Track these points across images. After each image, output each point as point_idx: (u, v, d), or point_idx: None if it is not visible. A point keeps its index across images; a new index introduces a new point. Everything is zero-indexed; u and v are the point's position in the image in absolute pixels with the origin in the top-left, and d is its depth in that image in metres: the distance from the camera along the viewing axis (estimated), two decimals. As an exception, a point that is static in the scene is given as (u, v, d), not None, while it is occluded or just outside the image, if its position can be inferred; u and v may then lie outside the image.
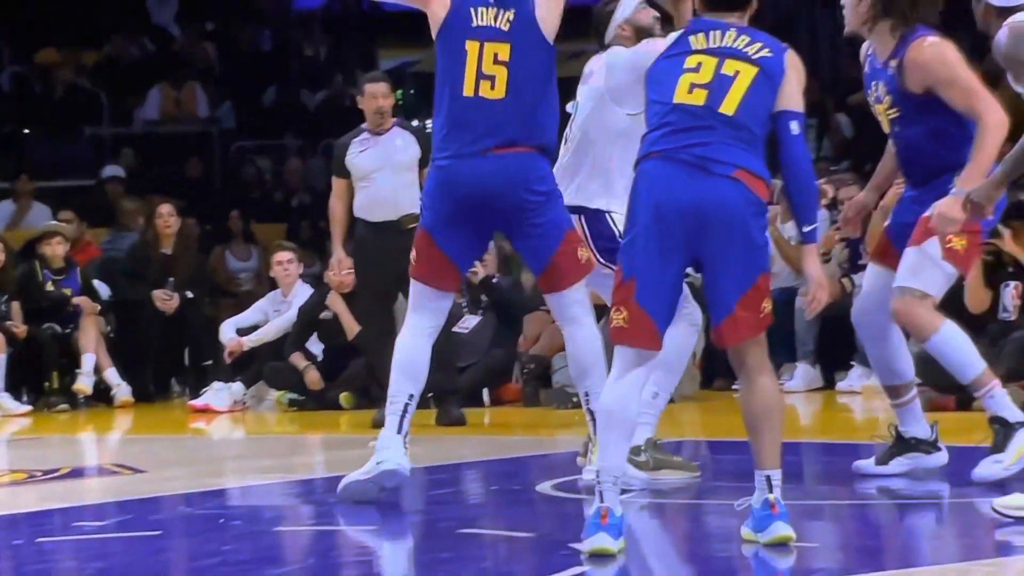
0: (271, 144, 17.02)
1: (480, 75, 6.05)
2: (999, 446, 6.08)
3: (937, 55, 6.06)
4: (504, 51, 6.06)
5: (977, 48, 13.36)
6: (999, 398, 6.10)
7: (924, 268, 6.08)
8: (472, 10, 6.10)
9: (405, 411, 6.16)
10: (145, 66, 17.32)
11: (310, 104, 17.63)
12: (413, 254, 6.21)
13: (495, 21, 6.09)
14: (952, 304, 9.56)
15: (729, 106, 5.09)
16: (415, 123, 12.57)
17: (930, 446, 6.35)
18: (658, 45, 6.15)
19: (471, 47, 6.07)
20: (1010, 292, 9.31)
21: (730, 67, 5.12)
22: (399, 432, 6.14)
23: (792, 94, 5.14)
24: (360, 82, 9.90)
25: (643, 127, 5.24)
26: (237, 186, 16.49)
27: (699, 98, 5.10)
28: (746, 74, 5.11)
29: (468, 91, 6.05)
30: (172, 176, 15.85)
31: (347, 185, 9.48)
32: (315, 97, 17.62)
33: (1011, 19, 5.68)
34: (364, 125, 9.53)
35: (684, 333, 6.32)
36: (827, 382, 11.05)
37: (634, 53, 6.28)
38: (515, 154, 6.07)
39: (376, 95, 9.45)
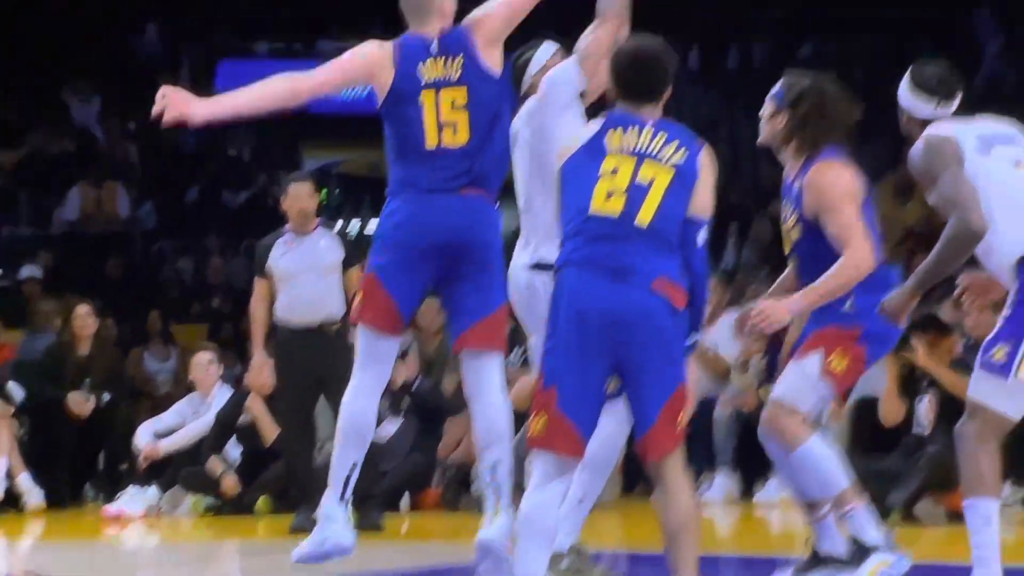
0: (193, 244, 16.95)
1: (440, 124, 6.04)
2: (852, 563, 6.09)
3: (832, 181, 6.05)
4: (461, 96, 6.03)
5: (894, 155, 13.59)
6: (859, 518, 6.10)
7: (799, 383, 6.10)
8: (419, 66, 6.09)
9: (348, 479, 6.11)
10: (65, 165, 17.23)
11: (232, 204, 17.59)
12: (358, 299, 6.16)
13: (444, 69, 6.09)
14: (866, 416, 9.64)
15: (645, 216, 5.14)
16: (339, 224, 12.55)
17: (843, 564, 6.34)
18: (563, 68, 6.19)
19: (426, 98, 6.05)
20: (924, 405, 9.36)
21: (646, 173, 5.16)
22: (341, 499, 6.11)
23: (704, 199, 5.21)
24: (284, 182, 9.90)
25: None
26: (157, 286, 16.38)
27: (616, 207, 5.15)
28: (661, 181, 5.16)
29: (431, 143, 6.04)
30: (91, 276, 15.73)
31: (269, 286, 9.43)
32: (238, 197, 17.59)
33: (927, 131, 5.75)
34: (287, 226, 9.51)
35: (612, 432, 6.23)
36: (746, 491, 11.05)
37: (540, 96, 6.25)
38: (481, 197, 6.08)
39: (300, 196, 9.44)
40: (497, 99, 6.11)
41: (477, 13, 6.19)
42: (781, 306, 5.94)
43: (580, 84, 6.14)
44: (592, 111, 6.20)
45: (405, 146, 6.07)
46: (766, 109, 6.22)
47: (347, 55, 6.15)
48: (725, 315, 11.12)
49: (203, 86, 18.79)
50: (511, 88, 6.25)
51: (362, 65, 6.11)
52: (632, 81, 5.28)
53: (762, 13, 18.28)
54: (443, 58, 6.09)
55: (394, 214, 6.09)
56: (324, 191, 16.34)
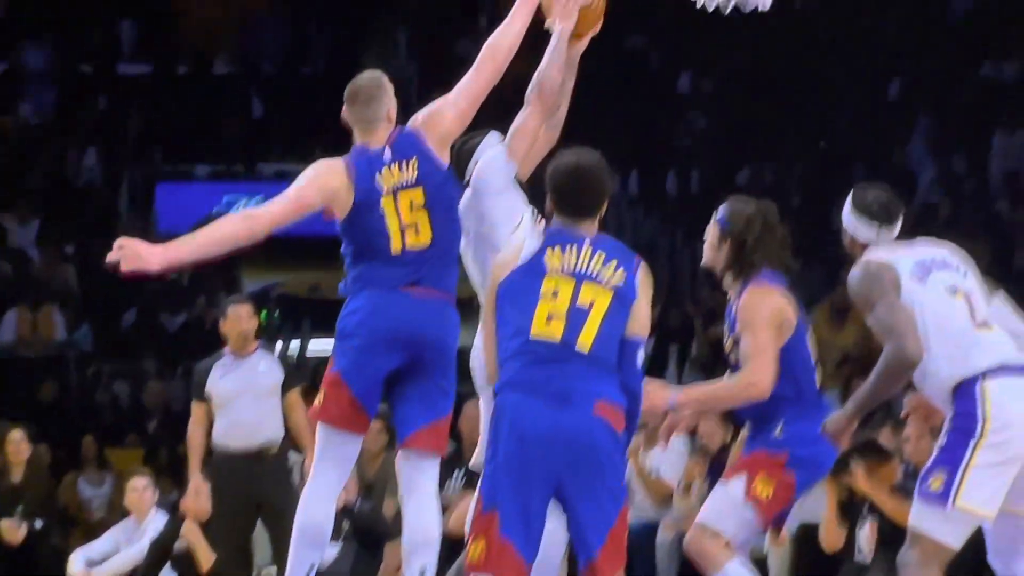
0: (129, 367, 16.81)
1: (403, 227, 6.09)
2: None
3: (757, 303, 6.10)
4: (418, 196, 6.10)
5: (830, 280, 13.70)
6: None
7: (723, 507, 6.10)
8: (376, 176, 6.13)
9: None
10: (1, 289, 17.11)
11: (170, 326, 17.49)
12: (319, 399, 6.11)
13: (401, 173, 6.14)
14: (808, 542, 9.58)
15: (586, 341, 5.15)
16: (279, 346, 12.47)
17: None
18: (492, 155, 6.24)
19: (387, 204, 6.10)
20: (865, 532, 9.32)
21: (586, 295, 5.19)
22: None
23: (642, 318, 5.25)
24: (222, 305, 9.85)
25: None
26: (92, 410, 16.21)
27: (556, 331, 5.15)
28: (601, 303, 5.19)
29: (396, 247, 6.08)
30: (25, 400, 15.55)
31: (207, 410, 9.35)
32: (175, 320, 17.49)
33: (865, 255, 5.80)
34: (226, 349, 9.45)
35: (554, 531, 6.19)
36: (688, 615, 10.96)
37: (474, 185, 6.25)
38: (442, 299, 6.12)
39: (239, 318, 9.39)
40: (451, 195, 6.18)
41: (424, 113, 6.25)
42: (660, 392, 5.96)
43: (510, 168, 6.20)
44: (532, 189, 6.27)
45: (370, 251, 6.11)
46: (710, 233, 6.27)
47: (300, 185, 6.12)
48: (666, 438, 11.10)
49: (142, 209, 18.85)
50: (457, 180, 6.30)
51: (318, 192, 6.09)
52: (569, 197, 5.31)
53: (701, 138, 18.51)
54: (397, 164, 6.15)
55: (356, 312, 6.09)
56: (263, 313, 16.28)
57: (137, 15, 20.35)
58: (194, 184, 19.03)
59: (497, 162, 6.20)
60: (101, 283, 17.82)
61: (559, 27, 6.18)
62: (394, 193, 6.10)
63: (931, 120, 17.83)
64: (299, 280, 17.87)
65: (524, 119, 6.18)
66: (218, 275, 17.94)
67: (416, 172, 6.12)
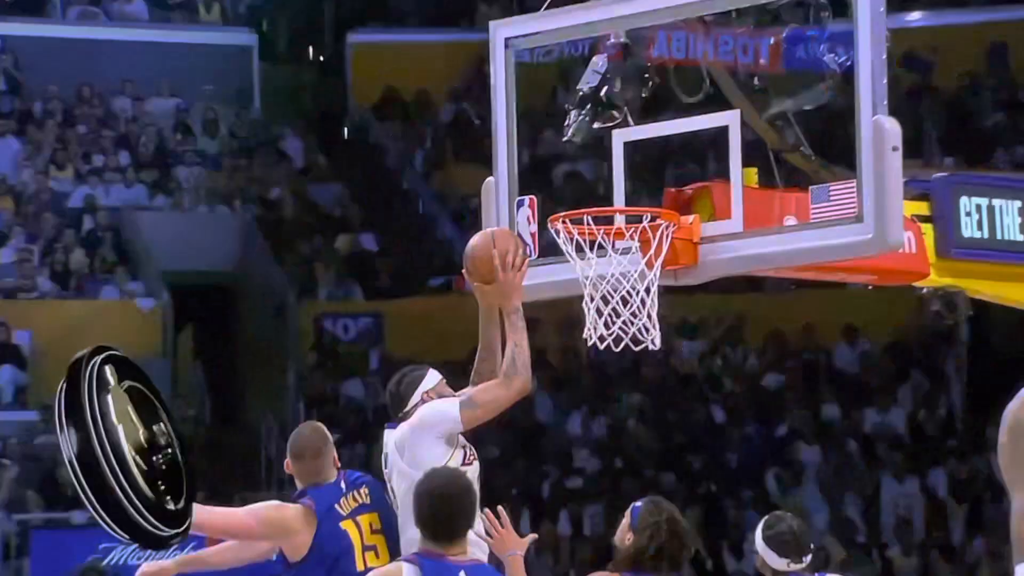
0: None
1: (365, 548, 6.32)
2: None
3: None
4: (375, 520, 6.38)
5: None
6: None
7: None
8: (336, 506, 6.36)
9: None
10: None
11: None
12: None
13: (356, 499, 6.41)
14: None
15: None
16: None
17: None
18: (444, 407, 6.20)
19: (349, 526, 6.34)
20: None
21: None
22: None
23: None
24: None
25: None
26: None
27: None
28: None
29: (360, 567, 6.26)
30: None
31: None
32: None
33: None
34: None
35: None
36: None
37: (413, 423, 6.18)
38: None
39: None
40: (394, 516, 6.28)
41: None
42: None
43: (456, 427, 6.14)
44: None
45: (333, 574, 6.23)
46: (625, 517, 6.12)
47: (246, 512, 6.34)
48: None
49: (16, 558, 18.22)
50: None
51: (262, 523, 6.31)
52: (439, 524, 5.31)
53: (592, 480, 18.43)
54: (352, 492, 6.42)
55: None
56: None
57: (17, 362, 20.17)
58: (70, 532, 18.50)
59: (447, 414, 6.15)
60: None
61: (514, 306, 6.14)
62: (354, 516, 6.36)
63: (822, 464, 17.92)
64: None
65: (495, 394, 6.12)
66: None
67: (370, 498, 6.40)
